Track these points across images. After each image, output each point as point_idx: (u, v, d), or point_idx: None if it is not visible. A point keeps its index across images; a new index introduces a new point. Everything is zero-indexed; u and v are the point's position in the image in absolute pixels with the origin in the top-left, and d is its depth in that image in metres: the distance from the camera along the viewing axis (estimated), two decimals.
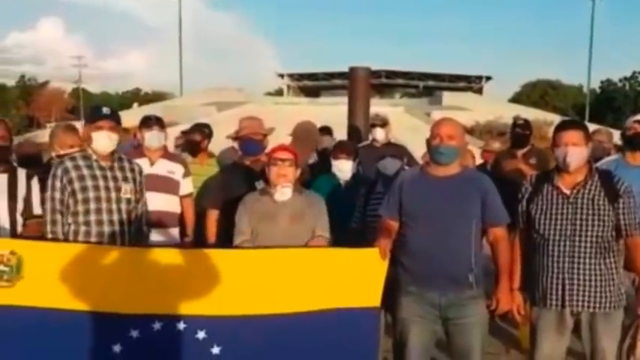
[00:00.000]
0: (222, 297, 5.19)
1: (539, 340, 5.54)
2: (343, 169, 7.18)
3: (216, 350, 5.18)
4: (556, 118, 41.04)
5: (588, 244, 5.30)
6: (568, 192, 5.38)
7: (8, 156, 6.20)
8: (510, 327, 8.39)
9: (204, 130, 9.15)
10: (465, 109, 54.09)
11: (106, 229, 5.83)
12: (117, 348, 5.10)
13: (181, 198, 7.55)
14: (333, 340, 5.34)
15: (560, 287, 5.36)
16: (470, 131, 43.65)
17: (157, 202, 6.88)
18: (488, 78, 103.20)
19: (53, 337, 5.06)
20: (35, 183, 6.05)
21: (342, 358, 5.39)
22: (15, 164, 6.43)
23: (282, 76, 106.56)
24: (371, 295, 5.38)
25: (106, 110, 5.97)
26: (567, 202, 5.36)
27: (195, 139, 8.99)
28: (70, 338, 5.07)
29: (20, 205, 5.94)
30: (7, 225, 5.84)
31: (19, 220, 5.94)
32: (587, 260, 5.31)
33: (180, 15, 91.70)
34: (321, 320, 5.30)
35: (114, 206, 5.88)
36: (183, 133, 10.15)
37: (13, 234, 5.80)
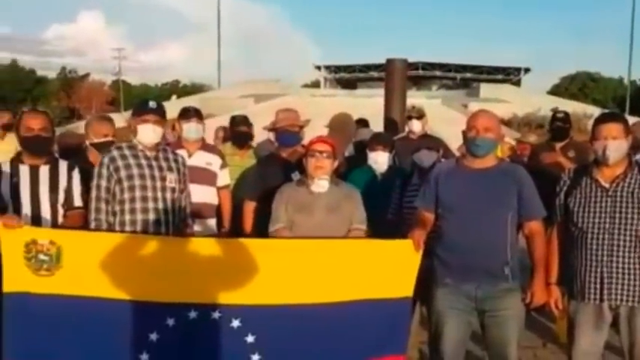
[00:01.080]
0: (257, 286, 5.23)
1: (577, 334, 5.49)
2: (379, 161, 7.19)
3: (250, 339, 5.22)
4: (595, 111, 40.64)
5: (627, 238, 5.23)
6: (607, 185, 5.32)
7: (50, 147, 6.24)
8: (548, 321, 8.36)
9: (249, 122, 9.18)
10: (502, 101, 53.66)
11: (151, 216, 5.89)
12: (153, 336, 5.16)
13: (218, 189, 7.61)
14: (365, 330, 5.38)
15: (598, 281, 5.31)
16: (507, 123, 43.33)
17: (195, 193, 6.83)
18: (527, 70, 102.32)
19: (91, 326, 5.13)
20: (76, 174, 6.09)
21: (373, 348, 5.41)
22: (57, 155, 6.47)
23: (319, 68, 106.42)
24: (403, 286, 5.41)
25: (152, 104, 6.05)
26: (606, 196, 5.31)
27: (244, 131, 9.02)
28: (107, 327, 5.14)
29: (61, 197, 5.97)
30: (48, 216, 5.88)
31: (60, 211, 5.97)
32: (626, 254, 5.25)
33: (219, 8, 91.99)
34: (353, 310, 5.33)
35: (159, 194, 5.94)
36: (224, 127, 10.14)
37: (54, 225, 5.84)
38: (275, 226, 5.91)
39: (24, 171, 5.90)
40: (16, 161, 5.95)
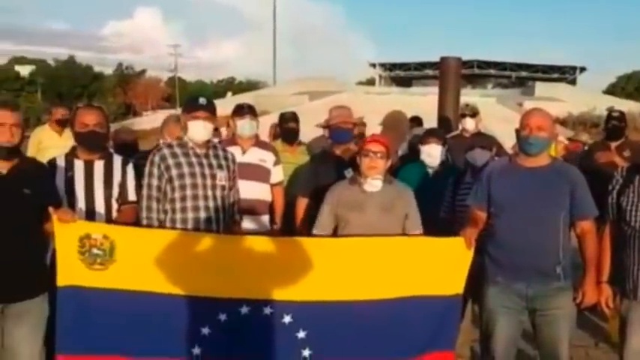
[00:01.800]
0: (308, 283, 5.30)
1: (629, 333, 5.44)
2: (432, 154, 7.18)
3: (302, 335, 5.29)
4: None
5: None
6: None
7: (105, 143, 6.30)
8: (600, 320, 8.31)
9: (298, 119, 9.22)
10: (557, 100, 53.08)
11: (202, 214, 5.90)
12: (205, 330, 5.25)
13: (272, 186, 7.60)
14: (415, 327, 5.44)
15: None
16: (562, 123, 42.94)
17: (249, 190, 6.92)
18: (583, 69, 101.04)
19: (143, 320, 5.23)
20: (130, 169, 6.14)
21: (422, 344, 5.47)
22: (111, 151, 6.56)
23: (374, 65, 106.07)
24: (454, 284, 5.46)
25: (202, 100, 6.05)
26: None
27: (293, 127, 9.06)
28: (159, 321, 5.24)
29: (115, 191, 6.02)
30: (102, 210, 5.94)
31: (114, 205, 6.03)
32: None
33: (274, 5, 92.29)
34: (404, 307, 5.38)
35: (209, 193, 5.96)
36: (276, 124, 10.20)
37: (108, 219, 5.90)
38: (316, 231, 5.95)
39: (78, 166, 5.96)
40: (70, 156, 6.02)
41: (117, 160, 6.16)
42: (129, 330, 5.22)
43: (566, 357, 5.51)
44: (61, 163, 5.96)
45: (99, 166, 6.02)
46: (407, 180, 6.40)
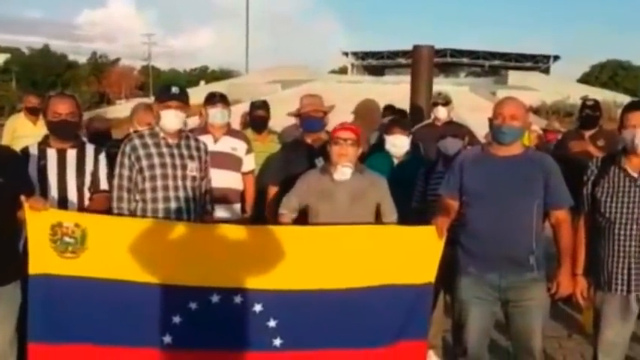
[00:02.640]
0: (279, 272, 5.28)
1: (603, 325, 5.43)
2: (397, 144, 7.12)
3: (272, 323, 5.29)
4: (626, 100, 40.09)
5: None
6: (636, 175, 5.25)
7: (77, 131, 6.26)
8: (574, 311, 8.33)
9: (268, 107, 9.17)
10: (531, 89, 53.46)
11: (173, 205, 5.92)
12: (176, 319, 5.25)
13: (243, 174, 7.61)
14: (386, 316, 5.41)
15: (625, 272, 5.26)
16: (536, 111, 43.11)
17: (221, 178, 6.93)
18: (556, 57, 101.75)
19: (114, 308, 5.22)
20: (103, 158, 6.14)
21: (394, 333, 5.44)
22: (84, 139, 6.52)
23: (346, 54, 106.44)
24: (426, 273, 5.43)
25: (174, 89, 6.06)
26: (635, 185, 5.23)
27: (261, 115, 9.00)
28: (130, 309, 5.22)
29: (88, 180, 6.03)
30: (74, 199, 5.95)
31: (87, 194, 6.04)
32: None
33: None
34: (374, 296, 5.36)
35: (180, 183, 5.97)
36: (247, 112, 10.14)
37: (80, 208, 5.91)
38: (280, 210, 5.97)
39: (51, 155, 5.96)
40: (43, 145, 6.01)
41: (89, 148, 6.17)
42: (99, 318, 5.20)
43: (539, 348, 5.49)
44: (33, 151, 5.96)
45: (71, 154, 6.02)
46: (372, 169, 6.30)
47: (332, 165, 5.81)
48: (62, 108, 5.90)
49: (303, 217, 5.97)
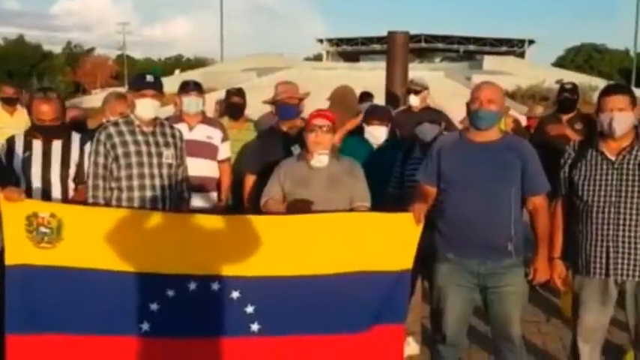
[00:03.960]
0: (256, 259, 5.27)
1: (582, 309, 5.44)
2: (376, 135, 7.09)
3: (250, 309, 5.28)
4: (601, 83, 40.58)
5: (634, 212, 5.15)
6: (613, 158, 5.24)
7: (63, 132, 6.23)
8: (552, 296, 8.36)
9: (244, 94, 9.12)
10: (506, 74, 53.66)
11: (148, 193, 5.96)
12: (154, 306, 5.24)
13: (219, 162, 7.61)
14: (364, 302, 5.40)
15: (604, 255, 5.25)
16: (512, 96, 43.36)
17: (196, 167, 6.93)
18: (531, 42, 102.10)
19: (92, 297, 5.21)
20: (88, 148, 6.13)
21: (371, 318, 5.43)
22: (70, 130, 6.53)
23: (321, 41, 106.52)
24: (403, 259, 5.39)
25: (149, 78, 6.10)
26: (612, 168, 5.23)
27: (237, 102, 8.97)
28: (108, 298, 5.22)
29: (72, 171, 6.09)
30: (58, 190, 6.02)
31: (71, 185, 6.09)
32: (633, 228, 5.17)
33: None
34: (353, 282, 5.34)
35: (155, 171, 6.01)
36: (221, 100, 10.11)
37: (64, 199, 5.97)
38: (264, 199, 5.90)
39: (37, 146, 6.05)
40: (29, 136, 6.09)
41: (75, 139, 6.21)
42: (77, 308, 5.19)
43: (518, 333, 5.49)
44: (19, 142, 6.08)
45: (57, 145, 6.09)
46: (351, 155, 6.28)
47: (308, 152, 5.79)
48: (46, 113, 5.97)
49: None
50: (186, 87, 7.53)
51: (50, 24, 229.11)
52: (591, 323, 5.42)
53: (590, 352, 5.51)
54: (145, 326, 5.23)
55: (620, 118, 5.13)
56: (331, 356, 5.40)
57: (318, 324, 5.35)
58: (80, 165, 6.08)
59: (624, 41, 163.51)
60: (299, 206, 5.66)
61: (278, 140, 6.90)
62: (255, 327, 5.28)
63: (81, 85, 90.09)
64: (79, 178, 6.08)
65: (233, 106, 8.97)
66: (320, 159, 5.72)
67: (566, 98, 9.15)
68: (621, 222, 5.18)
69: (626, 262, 5.20)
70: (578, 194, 5.35)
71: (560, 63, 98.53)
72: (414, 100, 8.86)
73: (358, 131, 7.41)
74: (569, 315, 6.13)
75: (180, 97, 7.50)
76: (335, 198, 5.71)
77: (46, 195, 5.90)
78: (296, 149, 6.43)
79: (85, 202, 5.86)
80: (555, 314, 8.09)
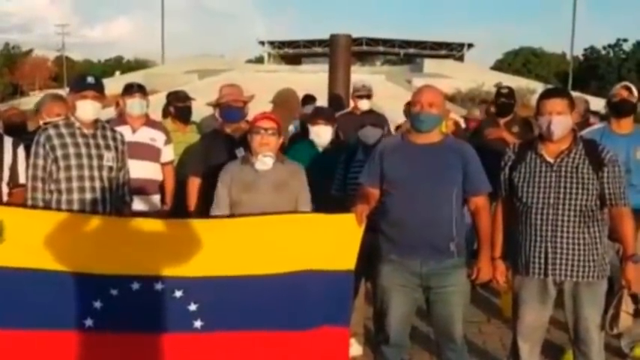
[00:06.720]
0: (199, 261, 5.28)
1: (522, 309, 5.52)
2: (321, 135, 7.13)
3: (193, 307, 5.27)
4: (539, 86, 41.17)
5: (572, 213, 5.26)
6: (552, 160, 5.33)
7: None
8: (492, 296, 8.46)
9: (191, 98, 9.10)
10: (446, 77, 54.25)
11: (88, 196, 5.90)
12: (97, 304, 5.18)
13: (162, 165, 7.57)
14: (307, 302, 5.41)
15: (542, 256, 5.34)
16: (451, 99, 43.71)
17: (139, 169, 6.91)
18: (470, 45, 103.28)
19: (34, 296, 5.13)
20: (21, 151, 6.03)
21: (315, 320, 5.44)
22: (1, 131, 6.41)
23: (262, 43, 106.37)
24: (346, 259, 5.41)
25: (90, 79, 6.03)
26: (551, 171, 5.32)
27: (189, 106, 8.91)
28: (50, 296, 5.15)
29: (6, 175, 5.94)
30: None
31: (5, 189, 5.95)
32: (571, 229, 5.27)
33: None
34: (295, 282, 5.36)
35: (96, 173, 5.94)
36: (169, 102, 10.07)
37: None
38: (215, 212, 5.90)
39: None
40: None
41: (7, 141, 6.04)
42: (18, 305, 5.14)
43: (460, 333, 5.55)
44: None
45: None
46: (297, 158, 6.33)
47: (253, 155, 5.80)
48: None
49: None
50: (130, 89, 7.49)
51: None
52: (531, 322, 5.50)
53: (529, 351, 5.60)
54: (89, 322, 5.18)
55: (558, 121, 5.22)
56: (275, 353, 5.42)
57: (263, 321, 5.36)
58: (14, 168, 5.95)
59: (561, 45, 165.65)
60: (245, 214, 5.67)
61: (222, 143, 6.88)
62: (198, 323, 5.28)
63: (19, 87, 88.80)
64: (13, 181, 5.96)
65: (185, 109, 8.89)
66: (264, 161, 5.74)
67: (504, 103, 9.29)
68: (559, 223, 5.27)
69: (564, 262, 5.29)
70: (518, 196, 5.43)
71: (499, 66, 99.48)
72: (365, 105, 8.97)
73: (303, 134, 7.45)
74: (509, 315, 6.21)
75: (123, 99, 7.46)
76: (280, 201, 5.73)
77: None
78: (240, 152, 6.41)
79: (24, 205, 5.78)
80: (496, 314, 8.19)
